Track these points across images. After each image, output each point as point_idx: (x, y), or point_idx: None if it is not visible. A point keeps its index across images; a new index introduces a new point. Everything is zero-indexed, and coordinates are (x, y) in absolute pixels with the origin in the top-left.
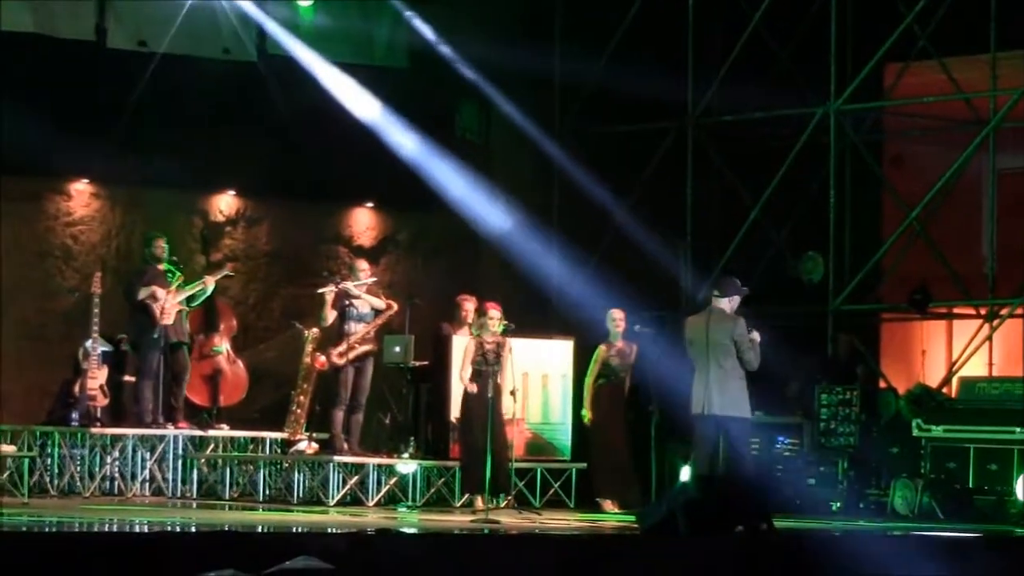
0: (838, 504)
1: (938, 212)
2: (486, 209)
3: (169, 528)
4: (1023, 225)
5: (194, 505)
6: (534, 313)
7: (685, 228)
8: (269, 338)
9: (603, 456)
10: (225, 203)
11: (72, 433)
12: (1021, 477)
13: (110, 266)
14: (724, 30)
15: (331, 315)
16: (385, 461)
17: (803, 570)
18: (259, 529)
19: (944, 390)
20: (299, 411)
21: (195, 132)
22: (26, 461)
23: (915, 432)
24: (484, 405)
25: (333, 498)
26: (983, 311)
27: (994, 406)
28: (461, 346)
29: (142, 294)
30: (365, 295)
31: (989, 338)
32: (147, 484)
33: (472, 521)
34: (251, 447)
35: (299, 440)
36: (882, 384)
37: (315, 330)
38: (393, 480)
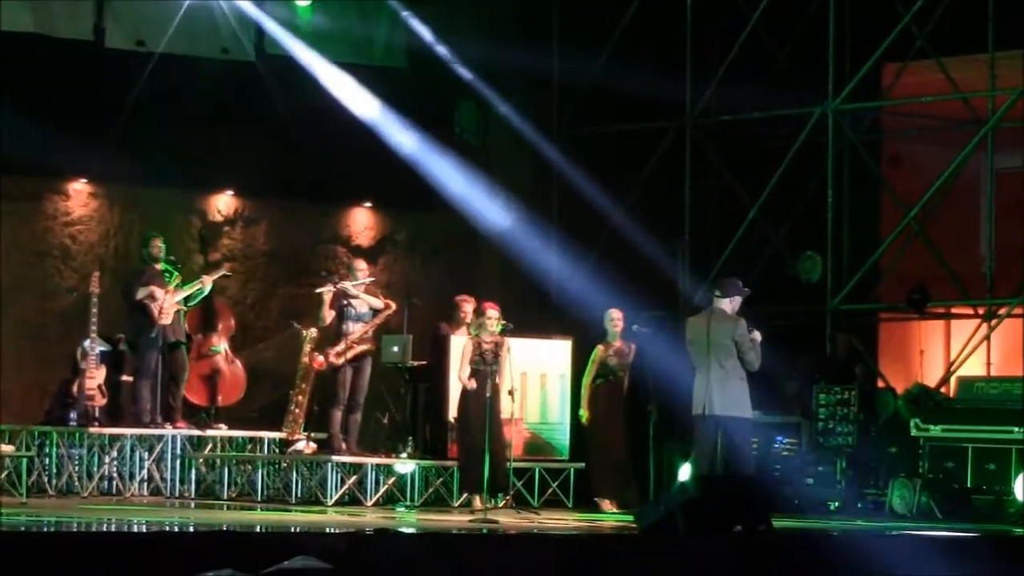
0: (836, 504)
1: (936, 212)
2: (485, 207)
3: (167, 528)
4: (1021, 225)
5: (192, 505)
6: (532, 313)
7: (683, 228)
8: (267, 338)
9: (601, 456)
10: (223, 203)
11: (70, 433)
12: (1020, 476)
13: (108, 266)
14: (722, 30)
15: (329, 315)
16: (383, 461)
17: (801, 570)
18: (257, 529)
19: (942, 390)
20: (297, 411)
21: (193, 132)
22: (24, 461)
23: (913, 432)
24: (482, 405)
25: (331, 498)
26: (981, 311)
27: (992, 406)
28: (459, 346)
29: (140, 294)
30: (363, 295)
31: (987, 338)
32: (145, 484)
33: (470, 521)
34: (249, 447)
35: (297, 440)
36: (880, 384)
37: (313, 330)
38: (391, 480)
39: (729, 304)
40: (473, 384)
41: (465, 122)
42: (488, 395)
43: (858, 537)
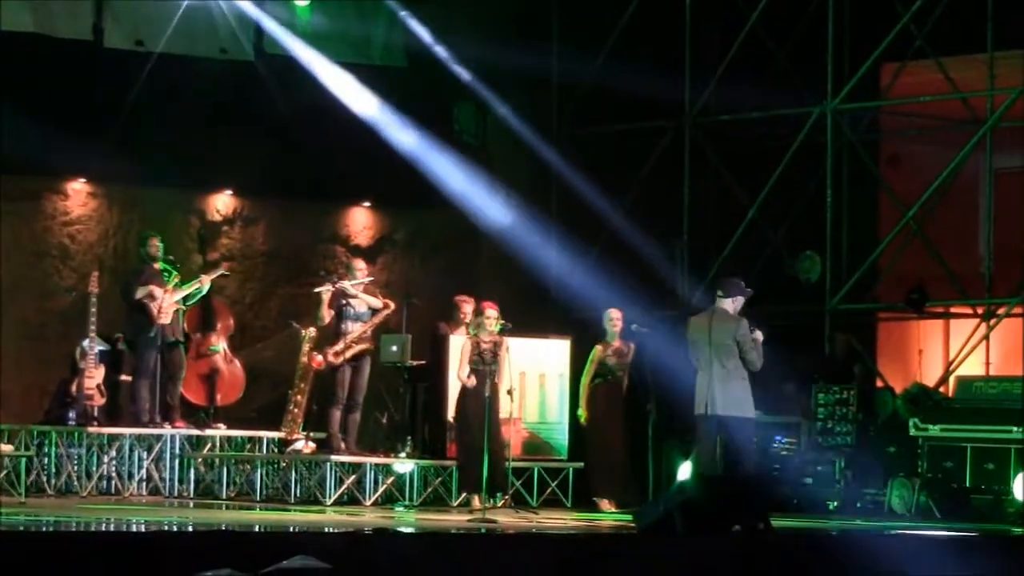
0: (835, 503)
1: (935, 212)
2: (485, 204)
3: (166, 527)
4: (1020, 224)
5: (191, 504)
6: (531, 312)
7: (682, 227)
8: (266, 337)
9: (600, 455)
10: (222, 202)
11: (69, 432)
12: (1018, 476)
13: (107, 265)
14: (721, 29)
15: (328, 314)
16: (382, 460)
17: (800, 570)
18: (256, 528)
19: (941, 389)
20: (296, 410)
21: (192, 131)
22: (23, 460)
23: (912, 431)
24: (481, 404)
25: (330, 497)
26: (980, 310)
27: (991, 405)
28: (458, 346)
29: (140, 293)
30: (362, 294)
31: (986, 337)
32: (144, 483)
33: (469, 520)
34: (248, 446)
35: (296, 439)
36: (879, 383)
37: (312, 329)
38: (390, 479)
39: (731, 304)
40: (473, 381)
41: (464, 123)
42: (487, 395)
43: (857, 537)
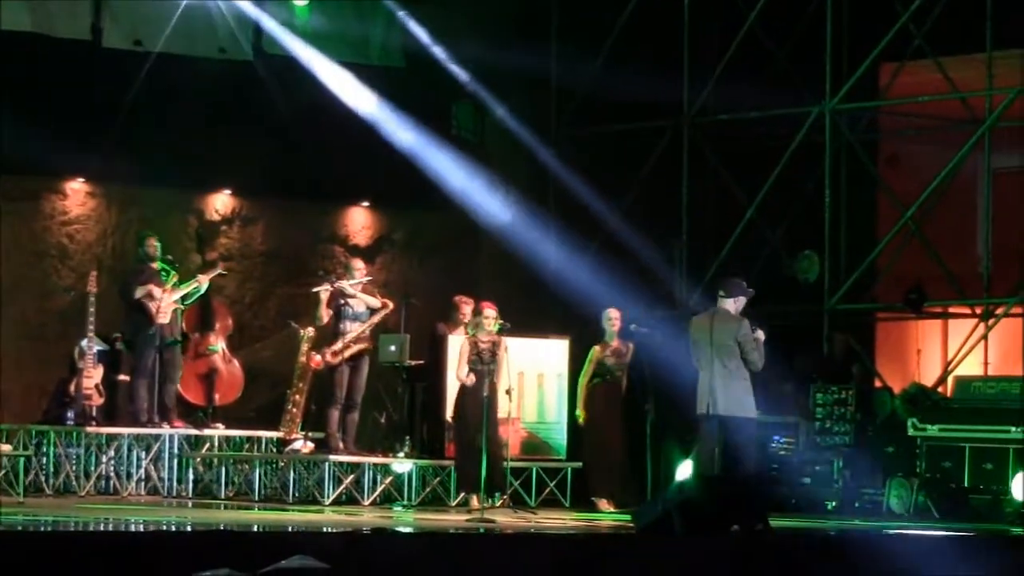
0: (834, 503)
1: (933, 212)
2: (485, 201)
3: (165, 527)
4: (1018, 224)
5: (190, 504)
6: (530, 312)
7: (681, 227)
8: (265, 337)
9: (599, 455)
10: (221, 202)
11: (68, 432)
12: (1017, 476)
13: (106, 265)
14: (720, 29)
15: (326, 314)
16: (381, 460)
17: (799, 570)
18: (255, 528)
19: (939, 389)
20: (295, 410)
21: (190, 131)
22: (21, 460)
23: (910, 431)
24: (480, 404)
25: (329, 497)
26: (978, 310)
27: (989, 405)
28: (457, 346)
29: (138, 293)
30: (360, 294)
31: (984, 337)
32: (143, 483)
33: (468, 520)
34: (247, 446)
35: (295, 439)
36: (877, 383)
37: (311, 329)
38: (389, 479)
39: (733, 304)
40: (472, 379)
41: (463, 124)
42: (485, 395)
43: (855, 537)
